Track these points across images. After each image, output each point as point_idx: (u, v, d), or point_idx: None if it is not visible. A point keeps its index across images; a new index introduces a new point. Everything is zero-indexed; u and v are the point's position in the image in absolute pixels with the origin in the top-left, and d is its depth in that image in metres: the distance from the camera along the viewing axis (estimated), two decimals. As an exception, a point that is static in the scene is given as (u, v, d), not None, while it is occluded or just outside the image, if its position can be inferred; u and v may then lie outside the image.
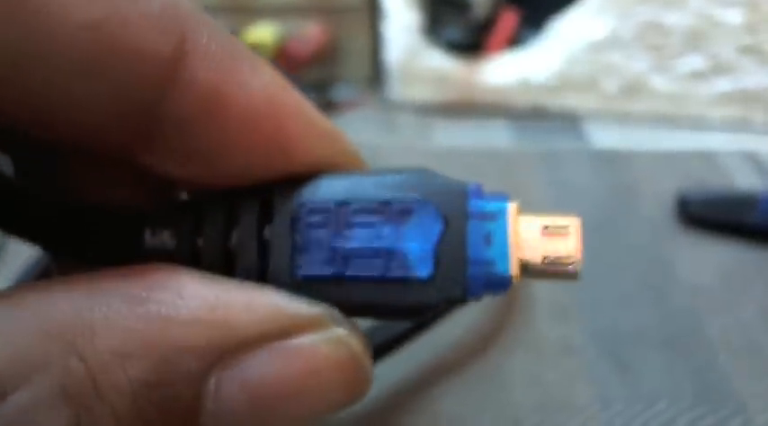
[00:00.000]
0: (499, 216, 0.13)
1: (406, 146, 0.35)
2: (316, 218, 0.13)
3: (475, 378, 0.20)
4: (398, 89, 0.39)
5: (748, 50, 0.34)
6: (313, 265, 0.12)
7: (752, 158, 0.31)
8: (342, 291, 0.12)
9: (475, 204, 0.13)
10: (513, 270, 0.12)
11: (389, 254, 0.12)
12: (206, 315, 0.11)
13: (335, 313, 0.12)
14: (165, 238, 0.13)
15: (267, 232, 0.13)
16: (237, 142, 0.12)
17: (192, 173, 0.13)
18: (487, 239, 0.12)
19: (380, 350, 0.18)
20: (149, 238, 0.13)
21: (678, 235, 0.26)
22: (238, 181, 0.13)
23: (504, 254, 0.12)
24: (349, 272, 0.12)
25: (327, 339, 0.12)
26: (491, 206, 0.13)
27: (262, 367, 0.11)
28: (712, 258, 0.25)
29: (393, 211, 0.12)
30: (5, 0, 0.10)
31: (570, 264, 0.12)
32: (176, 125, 0.12)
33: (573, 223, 0.13)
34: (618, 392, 0.19)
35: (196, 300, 0.11)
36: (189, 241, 0.13)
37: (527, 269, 0.13)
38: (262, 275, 0.12)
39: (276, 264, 0.12)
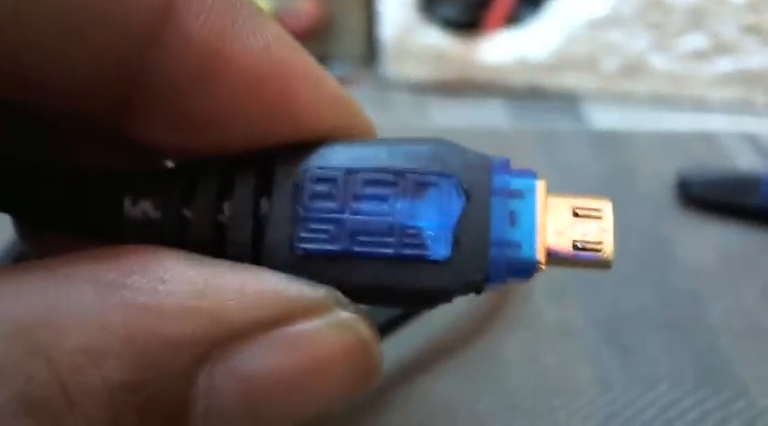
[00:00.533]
0: (527, 193, 0.11)
1: (401, 124, 0.35)
2: (321, 188, 0.11)
3: (471, 361, 0.19)
4: (393, 67, 0.38)
5: (751, 29, 0.33)
6: (316, 240, 0.11)
7: (753, 140, 0.31)
8: (348, 271, 0.11)
9: (500, 180, 0.11)
10: (540, 254, 0.11)
11: (403, 231, 0.11)
12: (193, 303, 0.09)
13: (340, 295, 0.11)
14: (148, 208, 0.12)
15: (265, 204, 0.11)
16: (237, 108, 0.11)
17: (185, 142, 0.11)
18: (513, 219, 0.11)
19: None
20: (130, 208, 0.12)
21: (678, 216, 0.25)
22: (237, 148, 0.12)
23: (531, 237, 0.11)
24: (357, 249, 0.11)
25: (333, 324, 0.10)
26: (518, 182, 0.11)
27: (259, 359, 0.10)
28: (713, 240, 0.24)
29: (409, 183, 0.11)
30: None
31: (601, 251, 0.11)
32: (167, 88, 0.11)
33: (605, 206, 0.12)
34: (618, 374, 0.19)
35: (181, 285, 0.09)
36: (175, 213, 0.11)
37: (555, 254, 0.11)
38: (256, 251, 0.11)
39: (274, 238, 0.11)
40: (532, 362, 0.19)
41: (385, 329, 0.18)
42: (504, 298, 0.21)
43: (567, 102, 0.36)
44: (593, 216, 0.12)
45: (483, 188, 0.11)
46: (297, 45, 0.12)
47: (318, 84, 0.12)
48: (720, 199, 0.25)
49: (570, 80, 0.36)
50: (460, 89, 0.38)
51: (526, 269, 0.11)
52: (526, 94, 0.37)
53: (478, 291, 0.11)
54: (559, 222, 0.11)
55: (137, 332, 0.09)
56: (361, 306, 0.11)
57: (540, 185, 0.12)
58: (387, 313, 0.18)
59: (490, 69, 0.37)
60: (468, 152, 0.12)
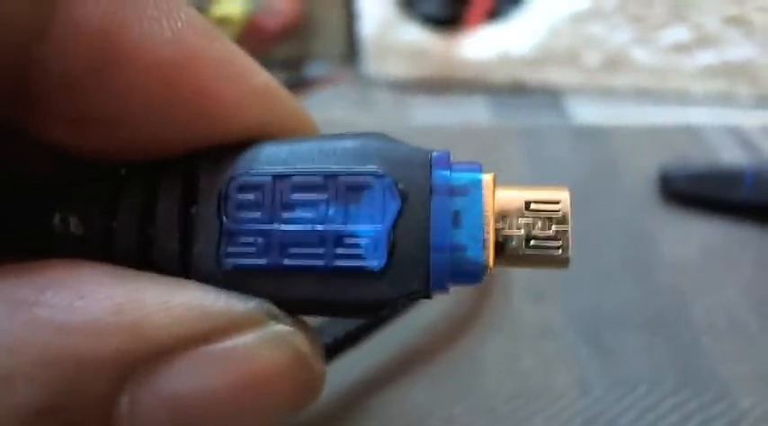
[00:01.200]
0: (471, 189, 0.10)
1: (382, 123, 0.34)
2: (248, 196, 0.10)
3: (448, 365, 0.19)
4: (374, 65, 0.38)
5: (734, 21, 0.33)
6: (244, 254, 0.10)
7: (736, 133, 0.31)
8: (280, 285, 0.10)
9: (441, 176, 0.10)
10: (488, 257, 0.10)
11: (335, 240, 0.10)
12: (113, 319, 0.08)
13: (273, 308, 0.10)
14: (75, 223, 0.11)
15: (192, 211, 0.11)
16: (141, 104, 0.10)
17: (89, 143, 0.10)
18: (456, 219, 0.10)
19: (337, 346, 0.17)
20: (58, 223, 0.11)
21: (661, 211, 0.25)
22: (153, 152, 0.11)
23: (478, 238, 0.10)
24: (287, 262, 0.10)
25: (266, 339, 0.10)
26: (461, 178, 0.11)
27: (186, 378, 0.09)
28: (696, 235, 0.24)
29: (341, 187, 0.10)
30: None
31: (559, 248, 0.10)
32: (60, 83, 0.09)
33: (562, 197, 0.11)
34: (597, 377, 0.18)
35: (100, 301, 0.09)
36: (100, 226, 0.11)
37: (506, 255, 0.10)
38: (185, 263, 0.10)
39: (201, 253, 0.10)
40: (510, 366, 0.19)
41: (351, 339, 0.17)
42: (481, 300, 0.21)
43: (550, 97, 0.36)
44: (548, 210, 0.11)
45: (422, 187, 0.10)
46: (214, 31, 0.10)
47: (240, 77, 0.11)
48: (703, 194, 0.25)
49: (552, 75, 0.36)
50: (442, 86, 0.37)
51: (473, 273, 0.10)
52: (508, 90, 0.37)
53: (427, 296, 0.11)
54: (510, 218, 0.11)
55: (50, 353, 0.08)
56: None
57: (487, 179, 0.11)
58: (345, 326, 0.17)
59: (472, 65, 0.37)
60: (405, 146, 0.11)
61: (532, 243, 0.11)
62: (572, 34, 0.35)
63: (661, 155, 0.28)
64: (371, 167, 0.10)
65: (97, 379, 0.08)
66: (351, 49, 0.39)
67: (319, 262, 0.10)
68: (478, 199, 0.10)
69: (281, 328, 0.10)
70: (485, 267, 0.10)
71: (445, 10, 0.37)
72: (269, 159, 0.11)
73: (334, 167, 0.10)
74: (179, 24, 0.10)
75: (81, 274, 0.09)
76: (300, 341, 0.10)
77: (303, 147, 0.11)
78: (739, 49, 0.33)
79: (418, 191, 0.10)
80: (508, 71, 0.36)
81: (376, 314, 0.11)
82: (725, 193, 0.24)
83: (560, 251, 0.11)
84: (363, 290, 0.10)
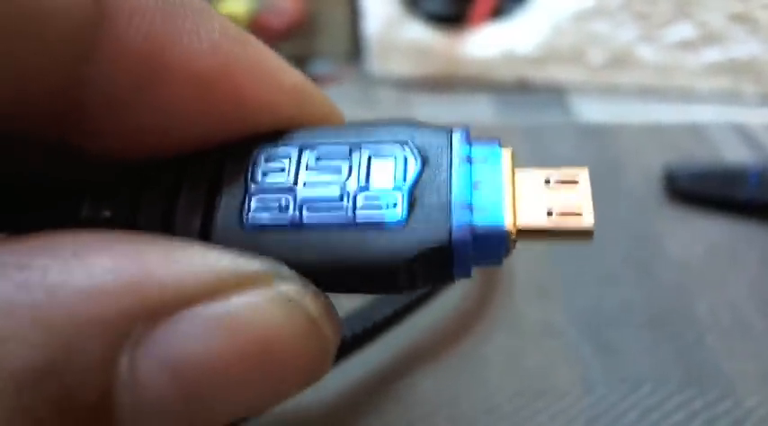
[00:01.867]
0: (491, 160, 0.11)
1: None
2: (274, 164, 0.11)
3: (451, 363, 0.19)
4: (378, 63, 0.38)
5: (739, 18, 0.32)
6: (266, 210, 0.10)
7: (741, 131, 0.30)
8: (300, 245, 0.10)
9: (462, 147, 0.11)
10: (509, 223, 0.10)
11: (356, 196, 0.10)
12: (110, 277, 0.08)
13: (283, 267, 0.10)
14: (104, 210, 0.11)
15: (217, 200, 0.11)
16: (184, 114, 0.10)
17: (134, 153, 0.11)
18: (477, 186, 0.10)
19: (357, 339, 0.17)
20: (86, 211, 0.11)
21: (665, 210, 0.25)
22: (188, 150, 0.11)
23: (498, 204, 0.10)
24: (307, 219, 0.10)
25: (274, 298, 0.09)
26: (482, 150, 0.11)
27: (185, 339, 0.08)
28: (700, 234, 0.24)
29: (365, 154, 0.11)
30: None
31: (581, 217, 0.10)
32: (106, 101, 0.10)
33: (581, 172, 0.11)
34: (601, 375, 0.18)
35: (98, 259, 0.08)
36: (127, 208, 0.11)
37: (528, 224, 0.10)
38: (205, 233, 0.10)
39: (224, 217, 0.10)
40: (513, 364, 0.19)
41: (365, 336, 0.17)
42: (485, 298, 0.21)
43: (554, 95, 0.36)
44: (568, 182, 0.11)
45: (443, 154, 0.11)
46: (245, 36, 0.11)
47: (273, 76, 0.11)
48: (708, 193, 0.25)
49: (557, 73, 0.36)
50: (446, 84, 0.37)
51: (495, 239, 0.10)
52: (513, 88, 0.36)
53: (449, 273, 0.10)
54: (530, 192, 0.11)
55: (45, 314, 0.08)
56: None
57: (506, 153, 0.11)
58: (364, 320, 0.17)
59: (476, 63, 0.36)
60: (429, 125, 0.11)
61: (554, 213, 0.10)
62: (576, 32, 0.35)
63: (666, 152, 0.28)
64: (395, 137, 0.11)
65: (93, 340, 0.08)
66: (355, 48, 0.39)
67: (340, 218, 0.10)
68: (498, 169, 0.11)
69: (290, 288, 0.10)
70: (506, 232, 0.10)
71: (449, 8, 0.37)
72: (297, 135, 0.11)
73: (359, 139, 0.11)
74: (215, 35, 0.10)
75: (78, 237, 0.09)
76: (311, 303, 0.10)
77: (332, 130, 0.11)
78: (744, 47, 0.33)
79: (440, 158, 0.11)
80: (512, 69, 0.36)
81: (395, 279, 0.10)
82: (729, 192, 0.24)
83: (583, 220, 0.10)
84: (383, 245, 0.10)
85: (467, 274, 0.10)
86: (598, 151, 0.30)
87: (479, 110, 0.35)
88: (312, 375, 0.10)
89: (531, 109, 0.35)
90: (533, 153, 0.29)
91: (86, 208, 0.11)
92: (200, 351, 0.09)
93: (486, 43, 0.36)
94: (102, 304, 0.08)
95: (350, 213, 0.10)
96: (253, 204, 0.10)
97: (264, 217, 0.10)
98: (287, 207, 0.10)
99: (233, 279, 0.09)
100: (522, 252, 0.23)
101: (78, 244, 0.08)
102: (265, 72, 0.11)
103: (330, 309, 0.10)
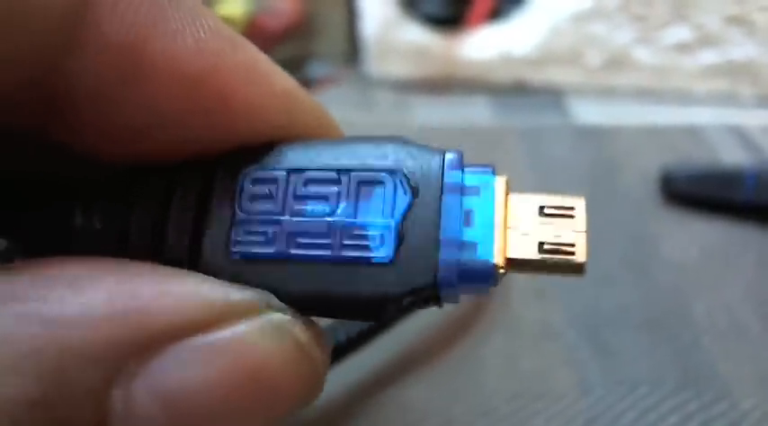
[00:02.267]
0: (484, 190, 0.10)
1: (384, 123, 0.34)
2: (261, 189, 0.11)
3: (448, 366, 0.19)
4: (376, 65, 0.38)
5: (735, 21, 0.33)
6: (252, 243, 0.10)
7: (738, 132, 0.31)
8: (285, 276, 0.10)
9: (453, 175, 0.10)
10: (499, 256, 0.10)
11: (344, 230, 0.10)
12: (104, 309, 0.08)
13: (272, 298, 0.10)
14: (94, 220, 0.11)
15: (207, 208, 0.11)
16: (169, 113, 0.10)
17: (117, 151, 0.11)
18: (467, 218, 0.10)
19: (339, 350, 0.17)
20: (79, 219, 0.11)
21: (662, 211, 0.25)
22: (176, 155, 0.11)
23: (488, 237, 0.10)
24: (294, 252, 0.10)
25: (263, 328, 0.09)
26: (474, 178, 0.11)
27: (177, 369, 0.09)
28: (697, 236, 0.24)
29: (353, 181, 0.10)
30: None
31: (574, 254, 0.10)
32: (88, 95, 0.10)
33: (577, 203, 0.10)
34: (598, 377, 0.18)
35: (93, 292, 0.08)
36: (118, 221, 0.11)
37: (518, 259, 0.10)
38: (193, 258, 0.10)
39: (211, 244, 0.10)
40: (510, 366, 0.19)
41: (356, 342, 0.17)
42: (481, 299, 0.21)
43: (552, 96, 0.36)
44: (564, 215, 0.10)
45: (434, 184, 0.10)
46: (236, 37, 0.11)
47: (263, 79, 0.11)
48: (704, 195, 0.25)
49: (554, 74, 0.36)
50: (444, 86, 0.37)
51: (483, 274, 0.10)
52: (510, 90, 0.37)
53: (436, 302, 0.10)
54: (524, 222, 0.10)
55: (41, 346, 0.08)
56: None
57: (500, 181, 0.11)
58: (347, 330, 0.17)
59: (474, 65, 0.37)
60: (420, 147, 0.11)
61: (546, 247, 0.10)
62: (574, 34, 0.35)
63: (662, 154, 0.28)
64: (385, 163, 0.11)
65: (86, 371, 0.08)
66: (352, 49, 0.39)
67: (326, 252, 0.10)
68: (490, 200, 0.10)
69: (279, 317, 0.10)
70: (495, 267, 0.10)
71: (447, 10, 0.37)
72: (286, 156, 0.11)
73: (348, 163, 0.11)
74: (201, 34, 0.10)
75: (76, 267, 0.09)
76: (300, 331, 0.10)
77: (320, 147, 0.11)
78: (741, 49, 0.33)
79: (430, 188, 0.10)
80: (510, 71, 0.36)
81: (381, 313, 0.10)
82: (725, 194, 0.24)
83: (575, 257, 0.10)
84: (368, 283, 0.10)
85: (454, 301, 0.10)
86: (595, 152, 0.30)
87: (477, 111, 0.35)
88: (304, 399, 0.10)
89: (528, 110, 0.35)
90: (530, 154, 0.30)
91: (79, 216, 0.11)
92: (191, 381, 0.09)
93: (483, 45, 0.36)
94: (95, 335, 0.08)
95: (337, 249, 0.10)
96: (240, 234, 0.10)
97: (251, 248, 0.10)
98: (273, 239, 0.10)
99: (225, 311, 0.09)
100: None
101: (76, 277, 0.09)
102: (255, 74, 0.11)
103: (319, 335, 0.10)
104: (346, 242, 0.10)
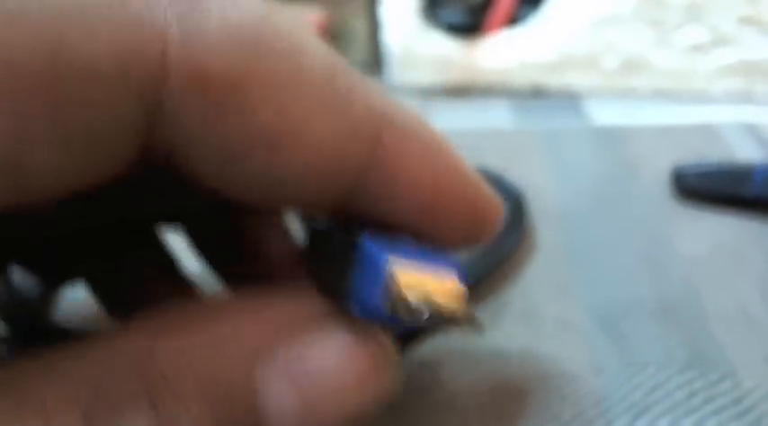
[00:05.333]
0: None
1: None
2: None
3: (474, 354, 0.20)
4: (399, 73, 0.39)
5: (748, 21, 0.33)
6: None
7: (752, 130, 0.31)
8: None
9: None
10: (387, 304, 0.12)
11: None
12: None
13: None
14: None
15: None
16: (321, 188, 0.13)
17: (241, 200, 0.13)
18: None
19: None
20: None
21: (675, 208, 0.26)
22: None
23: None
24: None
25: (358, 334, 0.12)
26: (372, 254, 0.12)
27: (312, 358, 0.11)
28: (709, 231, 0.25)
29: None
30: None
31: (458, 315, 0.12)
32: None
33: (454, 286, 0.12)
34: (611, 360, 0.19)
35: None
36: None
37: (403, 306, 0.12)
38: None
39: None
40: (530, 351, 0.20)
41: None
42: (501, 293, 0.22)
43: (570, 100, 0.37)
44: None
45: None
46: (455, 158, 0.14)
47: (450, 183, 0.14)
48: (715, 190, 0.26)
49: (572, 78, 0.37)
50: (465, 92, 0.39)
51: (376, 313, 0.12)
52: (529, 94, 0.38)
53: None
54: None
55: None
56: None
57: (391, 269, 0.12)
58: None
59: (493, 71, 0.38)
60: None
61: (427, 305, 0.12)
62: (591, 39, 0.36)
63: (678, 154, 0.29)
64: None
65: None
66: (376, 58, 0.41)
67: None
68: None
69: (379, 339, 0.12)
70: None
71: (466, 18, 0.38)
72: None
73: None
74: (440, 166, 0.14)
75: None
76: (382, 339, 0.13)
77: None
78: (755, 48, 0.33)
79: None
80: (528, 76, 0.37)
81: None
82: (735, 189, 0.25)
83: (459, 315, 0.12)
84: None
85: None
86: (613, 153, 0.31)
87: (497, 116, 0.37)
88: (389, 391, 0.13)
89: (547, 114, 0.36)
90: (550, 156, 0.31)
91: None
92: (323, 368, 0.12)
93: (502, 51, 0.37)
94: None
95: None
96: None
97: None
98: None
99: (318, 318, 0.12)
100: (541, 254, 0.24)
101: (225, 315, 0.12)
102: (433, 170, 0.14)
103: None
104: None
